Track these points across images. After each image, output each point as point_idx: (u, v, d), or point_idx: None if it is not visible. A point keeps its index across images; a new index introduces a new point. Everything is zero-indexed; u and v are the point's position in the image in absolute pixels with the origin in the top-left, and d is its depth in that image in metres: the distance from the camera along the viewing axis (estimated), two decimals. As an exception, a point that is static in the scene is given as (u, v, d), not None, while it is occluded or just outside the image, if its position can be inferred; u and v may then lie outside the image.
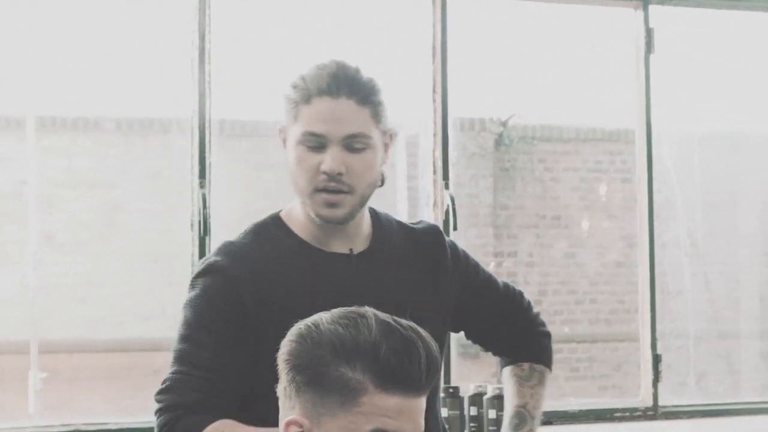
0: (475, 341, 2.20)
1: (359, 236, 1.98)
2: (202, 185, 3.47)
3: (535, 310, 2.21)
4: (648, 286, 3.95)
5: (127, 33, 3.80)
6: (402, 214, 4.30)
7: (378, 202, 4.58)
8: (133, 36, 3.81)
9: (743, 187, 4.43)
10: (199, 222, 3.45)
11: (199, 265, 1.98)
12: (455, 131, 3.92)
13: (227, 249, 1.95)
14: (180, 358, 1.90)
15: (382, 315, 1.52)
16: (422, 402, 1.54)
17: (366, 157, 1.90)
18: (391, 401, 1.49)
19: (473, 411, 3.53)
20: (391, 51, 3.99)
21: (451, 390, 3.51)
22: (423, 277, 2.01)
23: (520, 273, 5.39)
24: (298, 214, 1.98)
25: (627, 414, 3.88)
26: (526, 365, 2.17)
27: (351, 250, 1.96)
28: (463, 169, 4.75)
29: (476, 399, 3.54)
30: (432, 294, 2.01)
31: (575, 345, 5.57)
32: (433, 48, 3.76)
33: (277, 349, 1.65)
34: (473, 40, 4.13)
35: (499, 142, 5.03)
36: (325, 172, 1.88)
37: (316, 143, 1.89)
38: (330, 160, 1.87)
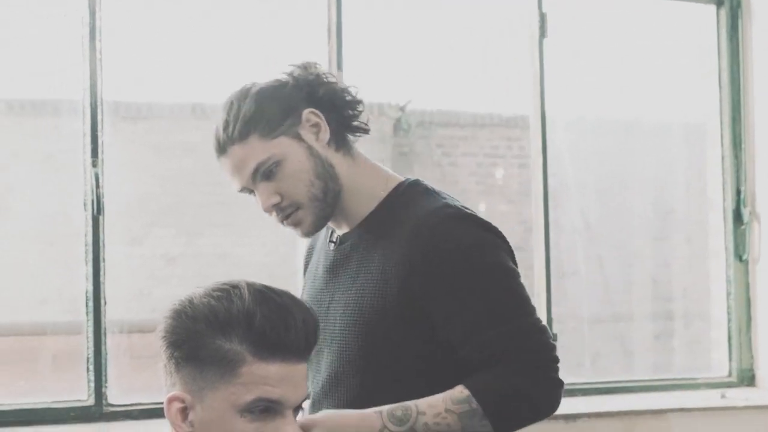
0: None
1: (344, 219, 1.98)
2: (94, 164, 3.42)
3: (549, 377, 1.95)
4: (544, 269, 3.99)
5: (16, 11, 3.72)
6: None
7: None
8: (23, 14, 3.72)
9: (636, 171, 4.52)
10: (92, 201, 3.40)
11: None
12: (353, 115, 3.91)
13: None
14: None
15: (256, 284, 1.53)
16: (304, 368, 1.54)
17: (284, 171, 1.89)
18: (270, 369, 1.49)
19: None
20: (287, 31, 3.97)
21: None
22: (393, 268, 1.87)
23: (419, 257, 5.41)
24: None
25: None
26: (467, 392, 1.85)
27: (333, 232, 2.04)
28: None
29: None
30: (395, 291, 1.86)
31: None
32: (329, 29, 3.75)
33: None
34: (370, 23, 4.13)
35: (397, 126, 5.04)
36: (264, 210, 1.93)
37: (246, 191, 1.94)
38: (260, 200, 1.92)
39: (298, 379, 1.52)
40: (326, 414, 1.80)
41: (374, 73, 4.33)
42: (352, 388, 1.92)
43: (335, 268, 1.97)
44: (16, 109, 4.59)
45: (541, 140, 4.03)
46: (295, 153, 1.89)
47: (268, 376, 1.49)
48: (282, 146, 1.88)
